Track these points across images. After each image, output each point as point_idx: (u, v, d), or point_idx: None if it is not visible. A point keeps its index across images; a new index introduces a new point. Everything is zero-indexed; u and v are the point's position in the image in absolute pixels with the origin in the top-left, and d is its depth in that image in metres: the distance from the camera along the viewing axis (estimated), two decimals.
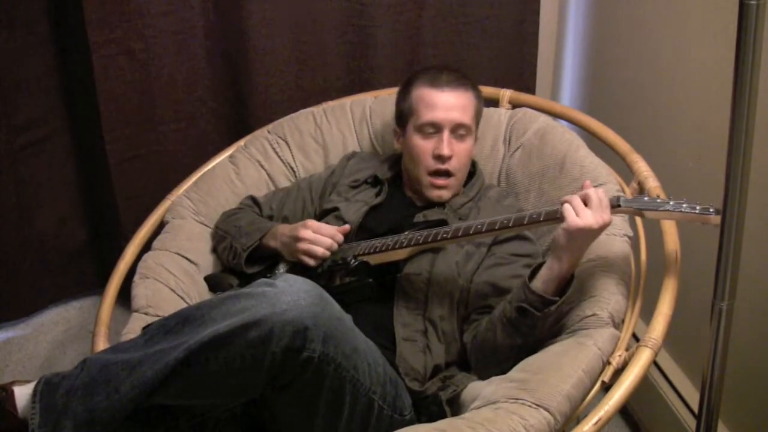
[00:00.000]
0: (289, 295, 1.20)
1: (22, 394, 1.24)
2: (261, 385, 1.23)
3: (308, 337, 1.19)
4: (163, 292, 1.62)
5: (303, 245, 1.58)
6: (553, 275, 1.34)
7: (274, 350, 1.18)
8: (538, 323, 1.36)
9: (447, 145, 1.60)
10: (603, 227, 1.31)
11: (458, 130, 1.61)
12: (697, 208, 1.28)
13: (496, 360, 1.43)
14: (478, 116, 1.68)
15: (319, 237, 1.58)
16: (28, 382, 1.27)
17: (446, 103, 1.61)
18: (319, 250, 1.57)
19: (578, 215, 1.31)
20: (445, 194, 1.64)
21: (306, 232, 1.58)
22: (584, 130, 1.79)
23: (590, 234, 1.31)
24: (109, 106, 2.05)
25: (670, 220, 1.46)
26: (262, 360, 1.18)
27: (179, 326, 1.23)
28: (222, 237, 1.75)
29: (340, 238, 1.59)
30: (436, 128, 1.61)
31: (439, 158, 1.61)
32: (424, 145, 1.62)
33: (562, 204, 1.34)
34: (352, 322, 1.31)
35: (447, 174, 1.62)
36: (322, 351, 1.21)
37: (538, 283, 1.36)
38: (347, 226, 1.62)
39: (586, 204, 1.32)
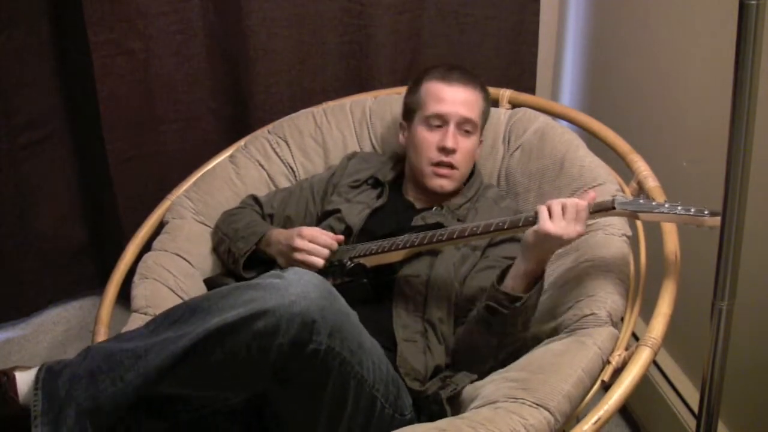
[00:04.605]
0: (297, 287, 1.20)
1: (24, 380, 1.23)
2: (266, 377, 1.23)
3: (315, 330, 1.19)
4: (163, 292, 1.62)
5: (300, 255, 1.55)
6: (520, 273, 1.36)
7: (281, 341, 1.17)
8: (508, 321, 1.38)
9: (452, 137, 1.61)
10: (573, 239, 1.32)
11: (464, 125, 1.63)
12: (692, 210, 1.29)
13: (473, 360, 1.45)
14: (484, 117, 1.70)
15: (316, 247, 1.55)
16: (29, 368, 1.26)
17: (455, 97, 1.63)
18: (318, 261, 1.54)
19: (552, 220, 1.31)
20: (446, 184, 1.64)
21: (302, 242, 1.55)
22: (584, 130, 1.79)
23: (558, 242, 1.33)
24: (109, 106, 2.04)
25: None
26: (268, 351, 1.18)
27: (186, 316, 1.22)
28: (221, 239, 1.75)
29: (336, 247, 1.57)
30: (443, 121, 1.63)
31: (443, 150, 1.62)
32: (429, 137, 1.64)
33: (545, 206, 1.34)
34: (358, 320, 1.31)
35: (450, 167, 1.63)
36: (328, 344, 1.21)
37: (507, 281, 1.38)
38: (342, 237, 1.60)
39: (564, 212, 1.32)
